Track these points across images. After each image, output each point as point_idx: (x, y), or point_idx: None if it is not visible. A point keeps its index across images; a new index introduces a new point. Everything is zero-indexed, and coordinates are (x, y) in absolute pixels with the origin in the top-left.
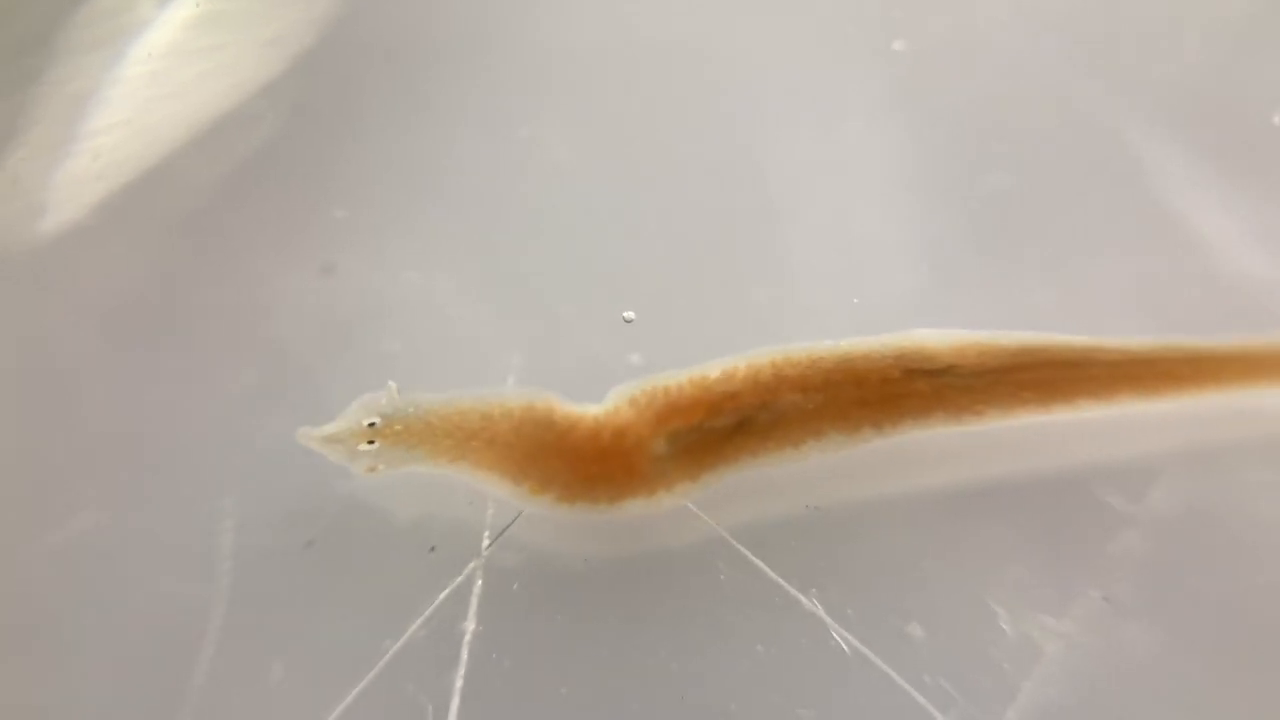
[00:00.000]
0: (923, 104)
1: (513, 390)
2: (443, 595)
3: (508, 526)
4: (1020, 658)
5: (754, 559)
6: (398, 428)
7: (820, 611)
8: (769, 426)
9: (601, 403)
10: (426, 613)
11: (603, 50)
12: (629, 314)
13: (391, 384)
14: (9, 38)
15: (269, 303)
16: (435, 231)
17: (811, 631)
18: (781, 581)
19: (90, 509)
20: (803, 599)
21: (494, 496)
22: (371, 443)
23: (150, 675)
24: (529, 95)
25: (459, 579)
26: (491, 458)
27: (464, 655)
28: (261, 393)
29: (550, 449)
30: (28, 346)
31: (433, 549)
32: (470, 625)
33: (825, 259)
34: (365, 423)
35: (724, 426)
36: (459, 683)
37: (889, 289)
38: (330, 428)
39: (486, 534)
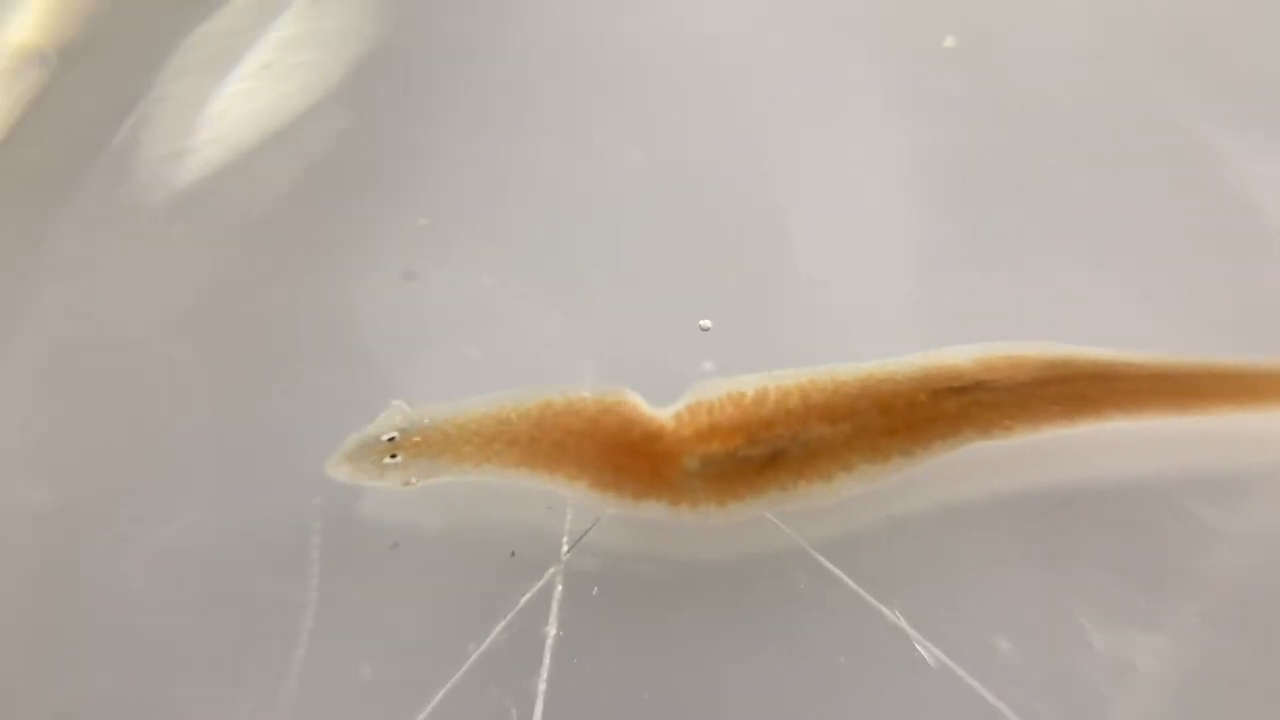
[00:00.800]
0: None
1: (523, 390)
2: (524, 599)
3: (586, 532)
4: (1112, 673)
5: (833, 568)
6: (416, 439)
7: (902, 622)
8: (800, 461)
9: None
10: (508, 617)
11: (679, 57)
12: (706, 323)
13: (398, 401)
14: (133, 53)
15: (353, 308)
16: (513, 238)
17: (893, 643)
18: (862, 591)
19: (185, 511)
20: (884, 609)
21: (572, 502)
22: (394, 456)
23: (245, 674)
24: (605, 102)
25: (539, 583)
26: (517, 456)
27: (546, 659)
28: (346, 395)
29: (579, 434)
30: (121, 349)
31: (513, 553)
32: (552, 630)
33: (902, 265)
34: (384, 438)
35: (758, 456)
36: (542, 686)
37: (968, 293)
38: (351, 444)
39: (565, 539)
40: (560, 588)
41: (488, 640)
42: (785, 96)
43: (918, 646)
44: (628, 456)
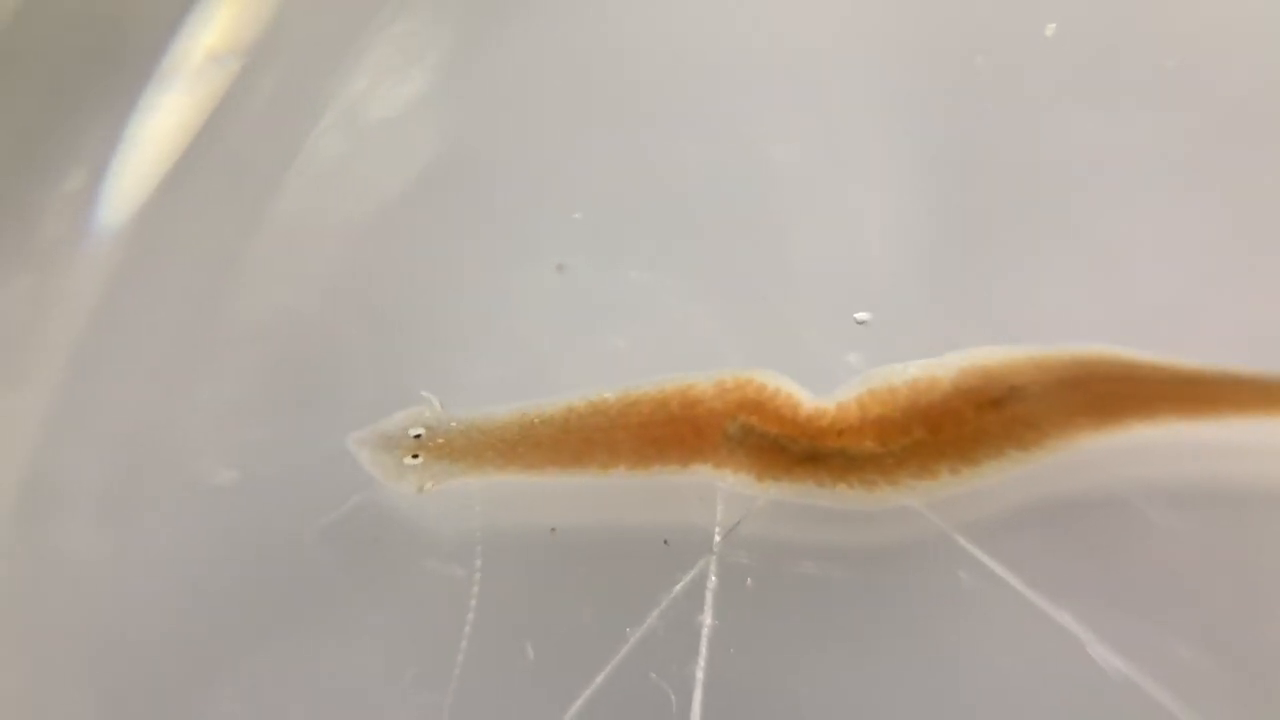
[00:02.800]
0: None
1: (548, 400)
2: (677, 589)
3: (736, 524)
4: None
5: (995, 566)
6: (440, 441)
7: (1074, 626)
8: (840, 470)
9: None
10: (662, 605)
11: (824, 48)
12: (862, 316)
13: (428, 394)
14: (311, 56)
15: (508, 300)
16: (662, 233)
17: (1065, 647)
18: (1027, 591)
19: (353, 492)
20: (1052, 611)
21: (723, 494)
22: (416, 456)
23: (419, 650)
24: (752, 98)
25: (691, 573)
26: (540, 458)
27: (703, 648)
28: (501, 383)
29: (608, 431)
30: (298, 336)
31: (666, 542)
32: (707, 619)
33: (1076, 260)
34: (412, 433)
35: (799, 451)
36: (699, 674)
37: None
38: (380, 428)
39: (717, 530)
40: (714, 579)
41: (644, 625)
42: (935, 82)
43: (1092, 652)
44: (666, 427)
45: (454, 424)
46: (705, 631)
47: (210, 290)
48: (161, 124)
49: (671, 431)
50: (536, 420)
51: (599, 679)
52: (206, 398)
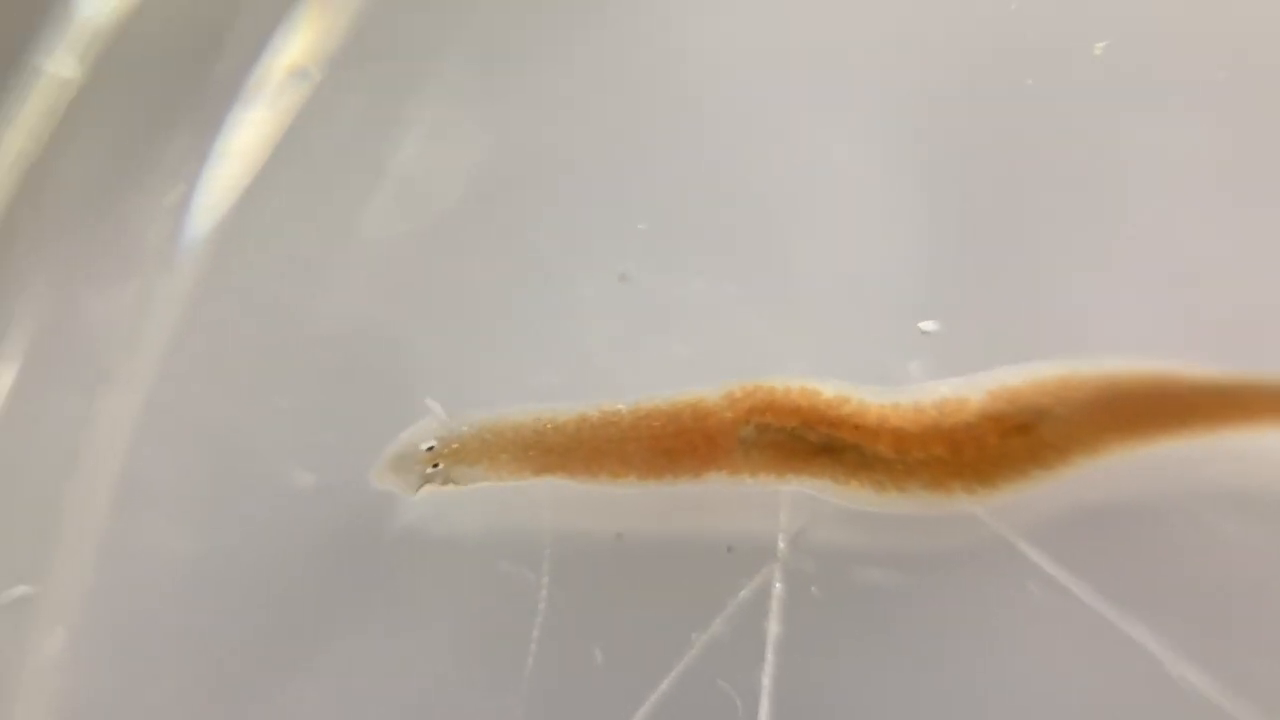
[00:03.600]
0: None
1: (562, 407)
2: (742, 595)
3: (799, 531)
4: None
5: (1064, 576)
6: (455, 446)
7: (1151, 642)
8: (855, 466)
9: None
10: (728, 610)
11: (890, 51)
12: (928, 325)
13: (432, 402)
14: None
15: (571, 309)
16: (724, 241)
17: (1142, 666)
18: (1098, 604)
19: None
20: (1126, 626)
21: (787, 500)
22: (436, 466)
23: (488, 650)
24: (815, 102)
25: (756, 580)
26: (553, 462)
27: (769, 656)
28: (565, 391)
29: (620, 443)
30: (366, 341)
31: (729, 549)
32: (774, 627)
33: (1154, 265)
34: (424, 447)
35: (813, 442)
36: (766, 681)
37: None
38: (393, 454)
39: (780, 537)
40: (779, 585)
41: (710, 631)
42: (1010, 85)
43: (1172, 672)
44: (678, 439)
45: (465, 428)
46: (771, 639)
47: (290, 298)
48: (246, 138)
49: (684, 442)
50: (550, 426)
51: (665, 684)
52: (286, 403)
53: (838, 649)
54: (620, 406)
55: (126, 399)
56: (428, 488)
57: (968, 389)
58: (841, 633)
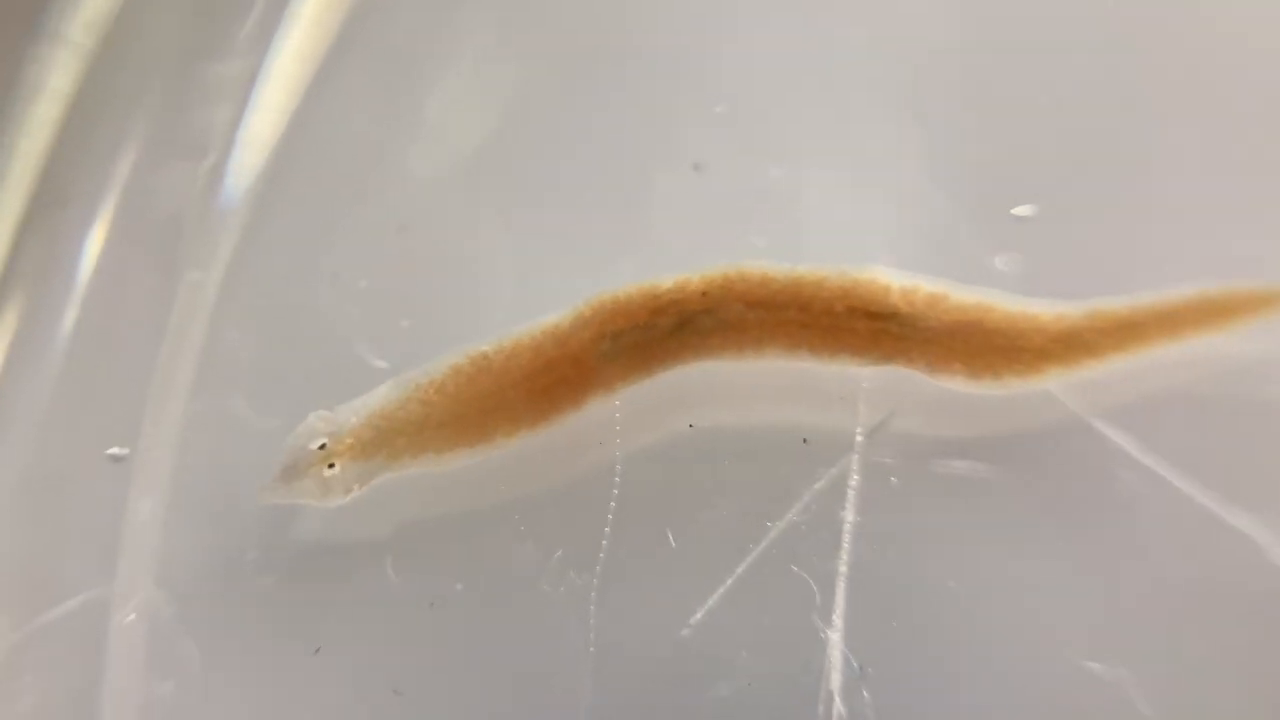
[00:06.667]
0: None
1: (435, 363)
2: (818, 485)
3: (880, 424)
4: None
5: (1149, 459)
6: (349, 441)
7: (1256, 532)
8: (710, 330)
9: None
10: (804, 500)
11: None
12: (1022, 209)
13: (317, 411)
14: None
15: (646, 197)
16: (803, 127)
17: (1262, 572)
18: (1211, 503)
19: None
20: (1230, 517)
21: (864, 395)
22: (332, 466)
23: (566, 534)
24: None
25: (833, 471)
26: (449, 437)
27: (845, 543)
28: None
29: (499, 392)
30: (434, 232)
31: (805, 440)
32: (849, 516)
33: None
34: (314, 447)
35: (666, 325)
36: (843, 568)
37: None
38: (284, 461)
39: (859, 429)
40: (857, 476)
41: (785, 519)
42: None
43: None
44: (549, 374)
45: (353, 419)
46: (848, 528)
47: (365, 183)
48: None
49: (556, 377)
50: (432, 390)
51: (740, 568)
52: (363, 286)
53: (915, 538)
54: (485, 349)
55: (211, 272)
56: (333, 495)
57: (831, 275)
58: (920, 523)
